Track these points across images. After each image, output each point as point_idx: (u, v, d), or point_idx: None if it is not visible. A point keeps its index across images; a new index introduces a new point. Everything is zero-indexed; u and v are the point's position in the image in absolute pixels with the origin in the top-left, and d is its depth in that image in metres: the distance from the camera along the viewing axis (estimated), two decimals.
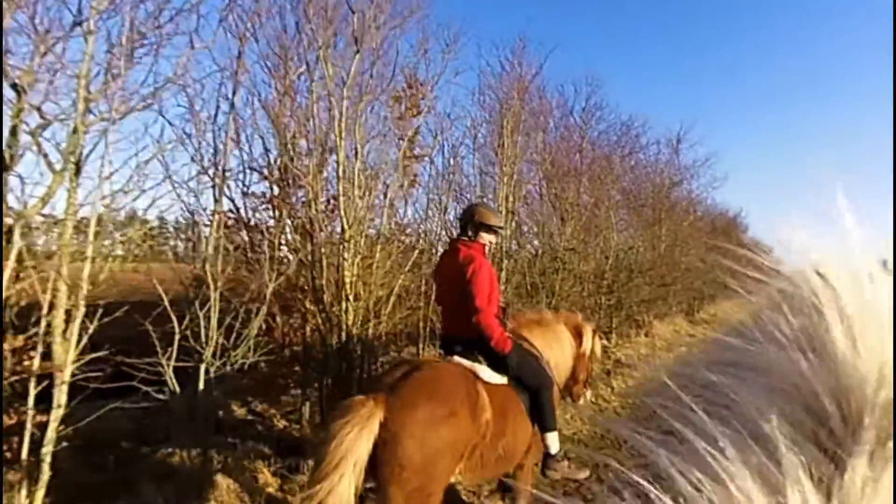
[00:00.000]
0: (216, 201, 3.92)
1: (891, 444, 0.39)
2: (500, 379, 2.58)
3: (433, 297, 6.28)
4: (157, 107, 3.27)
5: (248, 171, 4.39)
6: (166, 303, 3.09)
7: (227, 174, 3.97)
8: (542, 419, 2.69)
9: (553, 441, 2.74)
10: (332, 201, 4.04)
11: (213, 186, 3.92)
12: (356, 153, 4.08)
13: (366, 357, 4.07)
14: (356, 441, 1.94)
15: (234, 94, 4.01)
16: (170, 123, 3.46)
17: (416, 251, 5.42)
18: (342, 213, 3.78)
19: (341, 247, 3.80)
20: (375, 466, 2.00)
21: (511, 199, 5.88)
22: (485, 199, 5.88)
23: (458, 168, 6.26)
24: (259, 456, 3.51)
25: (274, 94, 3.92)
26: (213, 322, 3.10)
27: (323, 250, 3.77)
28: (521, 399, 2.63)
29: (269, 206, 4.46)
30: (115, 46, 2.90)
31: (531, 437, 2.69)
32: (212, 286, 3.09)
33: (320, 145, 3.83)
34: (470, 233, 2.77)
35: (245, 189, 4.26)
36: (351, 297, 3.84)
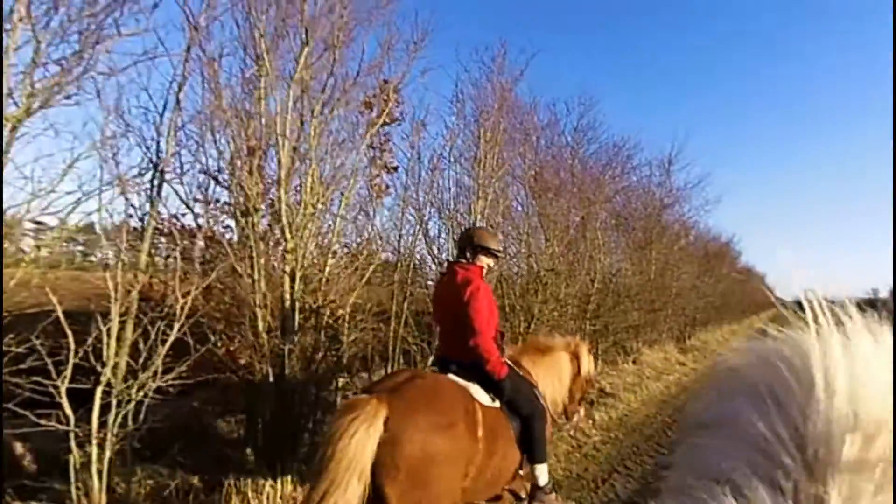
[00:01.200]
0: (151, 205, 3.51)
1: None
2: (492, 402, 2.54)
3: (406, 316, 5.90)
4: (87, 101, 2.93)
5: (196, 174, 3.99)
6: (59, 313, 2.63)
7: (166, 176, 3.55)
8: (532, 449, 2.64)
9: (542, 473, 2.70)
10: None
11: (151, 189, 3.51)
12: (310, 158, 3.67)
13: (310, 395, 3.59)
14: (364, 441, 1.90)
15: (179, 89, 3.62)
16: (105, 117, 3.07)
17: (381, 265, 4.99)
18: (283, 220, 3.35)
19: (283, 259, 3.36)
20: (373, 470, 1.94)
21: (488, 214, 5.47)
22: (460, 213, 5.46)
23: (437, 180, 5.87)
24: None
25: (214, 90, 3.51)
26: (112, 339, 2.64)
27: (260, 262, 3.32)
28: (512, 426, 2.60)
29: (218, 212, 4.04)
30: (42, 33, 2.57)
31: (517, 466, 2.65)
32: (112, 297, 2.63)
33: (261, 147, 3.41)
34: (468, 255, 2.75)
35: (189, 193, 3.83)
36: (297, 318, 3.38)
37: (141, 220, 3.47)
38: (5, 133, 2.78)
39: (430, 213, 5.90)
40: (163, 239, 3.86)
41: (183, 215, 3.89)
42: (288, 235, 3.37)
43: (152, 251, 3.53)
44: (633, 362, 10.04)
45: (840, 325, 0.50)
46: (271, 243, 3.35)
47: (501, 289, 5.90)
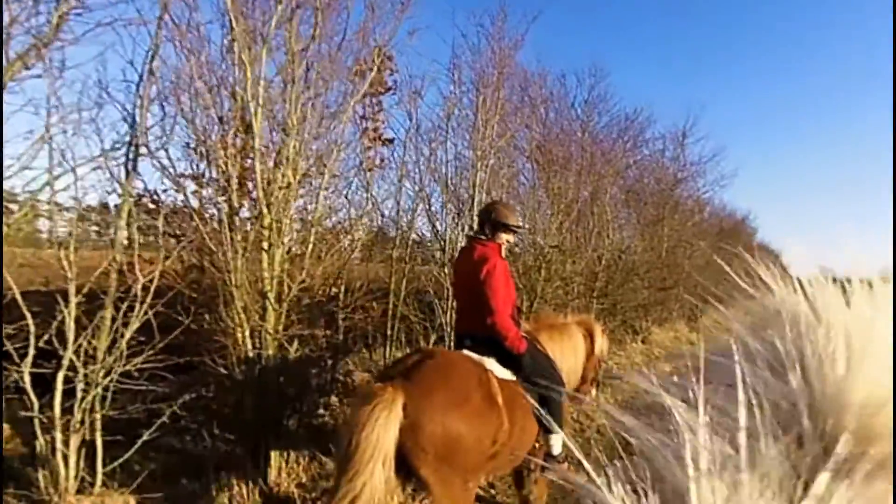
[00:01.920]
0: (125, 180, 3.30)
1: (859, 465, 0.41)
2: (508, 375, 2.55)
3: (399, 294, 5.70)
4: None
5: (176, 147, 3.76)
6: (16, 293, 2.46)
7: (141, 149, 3.33)
8: (548, 420, 2.64)
9: (556, 442, 2.73)
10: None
11: (126, 163, 3.29)
12: (287, 126, 3.42)
13: (296, 379, 3.41)
14: (386, 427, 1.92)
15: (152, 58, 3.36)
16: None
17: (378, 242, 4.77)
18: (259, 193, 3.12)
19: (261, 234, 3.14)
20: (403, 455, 1.99)
21: (488, 186, 5.18)
22: (458, 186, 5.19)
23: (437, 152, 5.58)
24: None
25: (187, 58, 3.25)
26: (71, 321, 2.46)
27: (236, 238, 3.11)
28: (530, 398, 2.57)
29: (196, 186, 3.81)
30: None
31: (535, 438, 2.69)
32: (68, 276, 2.44)
33: (238, 117, 3.16)
34: (487, 231, 2.74)
35: (161, 166, 3.60)
36: (271, 301, 3.18)
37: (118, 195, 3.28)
38: None
39: (430, 186, 5.64)
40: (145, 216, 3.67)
41: (164, 191, 3.70)
42: (265, 210, 3.14)
43: (130, 228, 3.34)
44: (643, 342, 9.79)
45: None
46: (247, 218, 3.12)
47: None
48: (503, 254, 2.77)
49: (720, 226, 16.06)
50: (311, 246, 3.44)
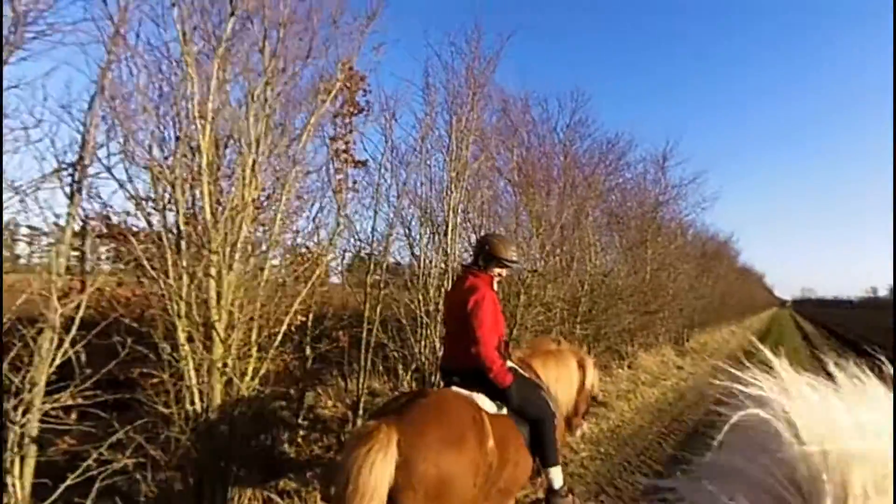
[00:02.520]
0: (70, 202, 3.05)
1: None
2: (499, 410, 2.52)
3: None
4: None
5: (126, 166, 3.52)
6: None
7: (88, 170, 3.10)
8: (543, 453, 2.62)
9: (556, 475, 2.70)
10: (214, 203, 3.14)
11: (72, 184, 3.06)
12: (248, 146, 3.22)
13: (247, 419, 3.11)
14: (383, 469, 1.90)
15: (102, 74, 3.17)
16: None
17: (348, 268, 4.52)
18: (207, 215, 2.89)
19: (208, 261, 2.90)
20: (390, 493, 1.94)
21: (462, 209, 5.00)
22: (433, 208, 4.99)
23: (413, 175, 5.40)
24: None
25: (138, 71, 3.06)
26: None
27: (181, 263, 2.86)
28: (522, 431, 2.57)
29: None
30: None
31: (530, 473, 2.65)
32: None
33: (186, 134, 2.95)
34: (480, 263, 2.75)
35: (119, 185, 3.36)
36: (218, 331, 2.91)
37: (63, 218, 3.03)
38: None
39: (406, 209, 5.44)
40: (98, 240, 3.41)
41: (117, 214, 3.45)
42: (213, 234, 2.90)
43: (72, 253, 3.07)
44: (629, 367, 9.56)
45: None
46: (192, 242, 2.88)
47: None
48: (494, 287, 2.76)
49: (703, 248, 16.10)
50: (266, 272, 3.19)
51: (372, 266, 5.69)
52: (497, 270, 2.77)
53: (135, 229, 3.13)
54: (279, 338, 3.24)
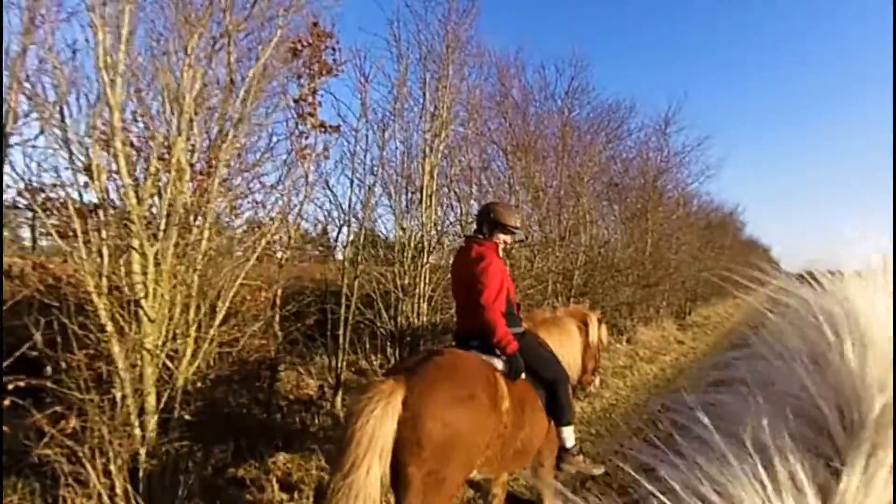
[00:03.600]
0: None
1: (885, 451, 0.40)
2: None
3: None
4: None
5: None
6: None
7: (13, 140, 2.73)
8: (558, 413, 2.68)
9: (569, 435, 2.75)
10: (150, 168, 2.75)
11: None
12: (173, 102, 2.82)
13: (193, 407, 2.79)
14: (382, 419, 1.90)
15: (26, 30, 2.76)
16: None
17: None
18: (125, 179, 2.52)
19: (129, 231, 2.54)
20: (395, 449, 1.93)
21: (438, 175, 4.58)
22: (406, 172, 4.58)
23: (389, 140, 4.98)
24: None
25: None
26: None
27: (102, 235, 2.50)
28: (539, 394, 2.62)
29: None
30: None
31: (547, 432, 2.67)
32: None
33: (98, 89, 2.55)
34: (485, 231, 2.77)
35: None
36: (146, 310, 2.57)
37: None
38: None
39: (385, 177, 5.04)
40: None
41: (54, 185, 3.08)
42: (133, 201, 2.53)
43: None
44: (627, 342, 9.24)
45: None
46: (108, 212, 2.50)
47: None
48: (500, 254, 2.76)
49: (708, 220, 15.61)
50: (204, 243, 2.83)
51: (349, 238, 5.36)
52: (502, 237, 2.78)
53: (59, 201, 2.78)
54: (220, 315, 2.89)
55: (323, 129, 5.05)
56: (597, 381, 3.61)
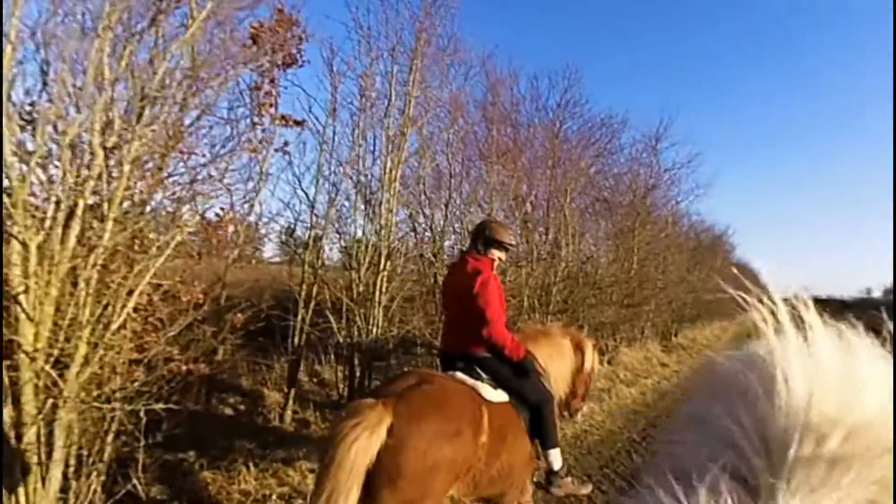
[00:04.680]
0: None
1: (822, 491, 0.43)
2: (501, 397, 2.53)
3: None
4: None
5: None
6: None
7: None
8: (543, 436, 2.66)
9: (556, 457, 2.75)
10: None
11: None
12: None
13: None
14: (367, 448, 1.89)
15: None
16: None
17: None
18: (7, 159, 2.17)
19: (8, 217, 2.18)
20: (370, 473, 1.92)
21: (401, 177, 4.25)
22: (362, 171, 4.24)
23: (358, 139, 4.65)
24: None
25: None
26: None
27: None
28: (522, 417, 2.59)
29: None
30: None
31: (529, 453, 2.65)
32: None
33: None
34: (480, 247, 2.76)
35: None
36: (25, 307, 2.21)
37: None
38: None
39: (348, 176, 4.69)
40: None
41: None
42: (16, 186, 2.18)
43: None
44: (608, 363, 8.90)
45: (802, 328, 0.51)
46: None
47: (420, 277, 4.72)
48: (495, 270, 2.75)
49: (697, 240, 15.38)
50: (107, 236, 2.47)
51: (311, 241, 5.01)
52: (497, 254, 2.78)
53: None
54: (119, 318, 2.51)
55: (284, 123, 4.73)
56: (584, 409, 3.54)
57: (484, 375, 2.54)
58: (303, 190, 4.89)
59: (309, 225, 4.97)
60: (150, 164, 2.78)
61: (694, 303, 14.58)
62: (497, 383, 2.55)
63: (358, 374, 4.18)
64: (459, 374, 2.53)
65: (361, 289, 4.12)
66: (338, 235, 4.60)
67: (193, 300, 3.63)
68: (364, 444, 1.88)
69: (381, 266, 4.02)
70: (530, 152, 7.76)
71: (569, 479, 2.90)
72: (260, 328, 6.35)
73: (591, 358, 3.33)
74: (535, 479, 3.01)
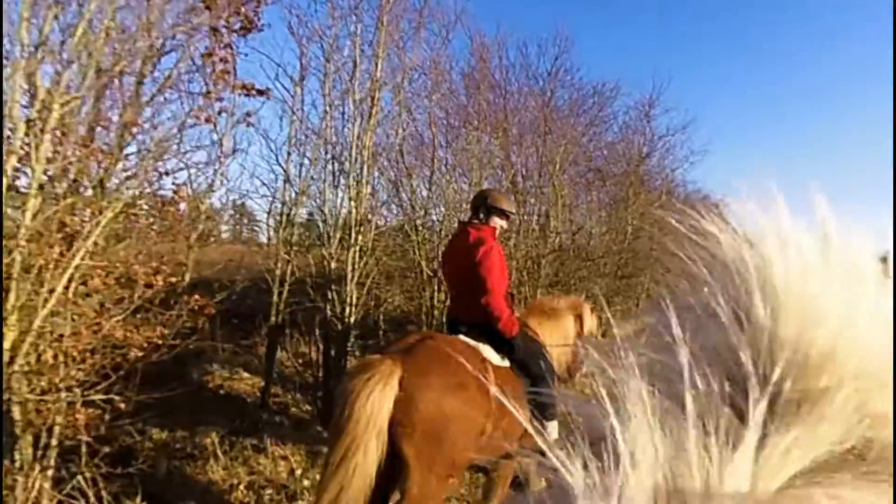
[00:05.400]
0: None
1: (807, 406, 0.38)
2: (502, 361, 2.57)
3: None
4: None
5: None
6: None
7: None
8: (542, 407, 2.59)
9: (553, 430, 2.68)
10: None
11: None
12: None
13: None
14: (381, 399, 1.92)
15: None
16: None
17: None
18: None
19: None
20: (390, 432, 1.95)
21: (372, 145, 3.98)
22: (329, 140, 3.97)
23: (328, 107, 4.35)
24: None
25: None
26: None
27: None
28: (522, 384, 2.60)
29: None
30: None
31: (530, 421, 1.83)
32: None
33: None
34: (481, 215, 2.78)
35: None
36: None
37: None
38: None
39: (325, 147, 4.41)
40: None
41: None
42: None
43: None
44: (603, 335, 8.78)
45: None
46: None
47: (394, 249, 4.48)
48: (497, 239, 2.75)
49: (694, 210, 15.09)
50: (29, 215, 2.23)
51: (285, 217, 4.77)
52: (499, 222, 2.78)
53: None
54: (49, 303, 2.28)
55: (246, 93, 4.43)
56: (584, 369, 3.38)
57: (486, 339, 2.56)
58: (279, 164, 4.65)
59: (282, 200, 4.74)
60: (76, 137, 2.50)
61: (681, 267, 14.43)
62: (499, 349, 2.58)
63: (333, 353, 3.98)
64: (462, 337, 2.55)
65: (334, 265, 3.89)
66: (309, 210, 4.34)
67: (149, 282, 3.41)
68: (378, 396, 1.90)
69: (353, 240, 3.78)
70: (519, 121, 7.49)
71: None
72: (238, 310, 6.20)
73: (589, 322, 3.39)
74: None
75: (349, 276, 3.75)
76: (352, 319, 4.00)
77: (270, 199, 4.76)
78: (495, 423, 2.32)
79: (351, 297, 3.79)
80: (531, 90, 8.41)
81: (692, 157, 11.65)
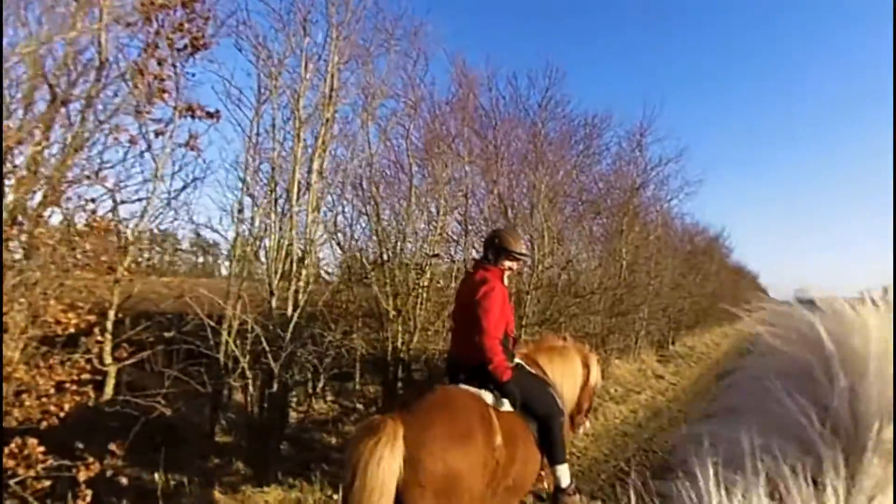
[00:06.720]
0: None
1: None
2: (506, 406, 2.49)
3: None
4: None
5: None
6: None
7: None
8: (551, 450, 2.61)
9: (564, 473, 2.70)
10: None
11: None
12: None
13: None
14: (391, 463, 1.89)
15: None
16: None
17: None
18: None
19: None
20: (397, 488, 1.92)
21: (325, 168, 3.56)
22: (280, 162, 3.56)
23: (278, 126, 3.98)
24: None
25: None
26: None
27: None
28: (531, 428, 2.57)
29: None
30: None
31: (539, 468, 2.63)
32: None
33: None
34: (491, 257, 2.74)
35: None
36: None
37: None
38: None
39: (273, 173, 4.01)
40: None
41: None
42: None
43: None
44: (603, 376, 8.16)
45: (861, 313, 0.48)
46: None
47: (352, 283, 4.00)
48: (505, 281, 2.72)
49: (692, 243, 14.67)
50: None
51: (236, 250, 4.32)
52: (508, 264, 2.74)
53: None
54: None
55: (191, 114, 4.07)
56: (587, 424, 3.52)
57: (487, 385, 2.49)
58: (230, 191, 4.25)
59: (235, 231, 4.31)
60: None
61: (691, 308, 13.85)
62: (502, 394, 2.49)
63: (266, 400, 3.46)
64: (463, 385, 2.50)
65: (276, 304, 3.41)
66: (258, 241, 3.90)
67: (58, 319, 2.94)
68: (388, 461, 1.86)
69: (292, 274, 3.31)
70: (507, 151, 7.19)
71: (576, 496, 2.83)
72: (187, 350, 5.66)
73: (595, 372, 3.32)
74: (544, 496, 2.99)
75: (289, 315, 3.26)
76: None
77: (225, 229, 4.34)
78: (504, 472, 2.28)
79: (287, 336, 3.28)
80: (521, 121, 8.16)
81: (687, 187, 11.30)
